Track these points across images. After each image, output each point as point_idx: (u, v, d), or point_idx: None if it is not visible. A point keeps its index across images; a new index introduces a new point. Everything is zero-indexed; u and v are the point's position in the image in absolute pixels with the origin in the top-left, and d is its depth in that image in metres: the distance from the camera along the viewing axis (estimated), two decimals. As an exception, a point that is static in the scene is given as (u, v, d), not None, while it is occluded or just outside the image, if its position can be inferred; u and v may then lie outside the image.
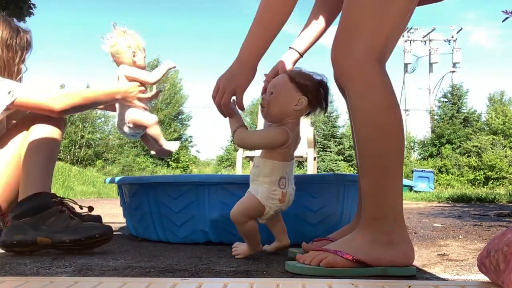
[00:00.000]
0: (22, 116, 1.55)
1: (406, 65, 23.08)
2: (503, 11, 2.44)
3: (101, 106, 1.83)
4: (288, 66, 1.36)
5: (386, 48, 1.03)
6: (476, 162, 17.13)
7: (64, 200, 1.45)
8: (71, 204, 1.61)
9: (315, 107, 1.21)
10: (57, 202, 1.36)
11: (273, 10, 1.10)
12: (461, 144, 18.41)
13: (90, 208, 1.58)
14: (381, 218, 0.99)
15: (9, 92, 1.36)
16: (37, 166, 1.41)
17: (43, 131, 1.46)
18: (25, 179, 1.40)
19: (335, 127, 20.63)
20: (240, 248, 1.26)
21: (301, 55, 1.39)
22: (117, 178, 1.76)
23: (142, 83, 1.74)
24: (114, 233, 1.93)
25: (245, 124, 1.22)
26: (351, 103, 1.04)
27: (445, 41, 22.87)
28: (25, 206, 1.33)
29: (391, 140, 0.99)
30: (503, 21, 2.52)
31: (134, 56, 1.86)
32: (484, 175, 16.80)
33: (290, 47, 1.40)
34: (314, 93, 1.18)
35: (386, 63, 1.08)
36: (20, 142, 1.47)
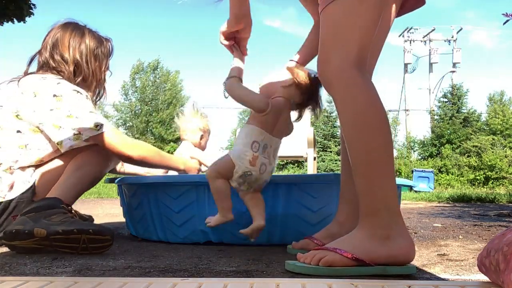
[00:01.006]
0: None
1: (406, 65, 23.08)
2: (503, 14, 2.44)
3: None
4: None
5: (362, 55, 1.09)
6: (476, 162, 17.11)
7: (73, 211, 1.46)
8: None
9: (305, 98, 1.32)
10: (65, 208, 1.37)
11: None
12: (461, 144, 18.41)
13: (90, 219, 1.64)
14: (375, 214, 1.01)
15: (96, 126, 1.49)
16: (69, 181, 1.50)
17: (94, 157, 1.56)
18: (54, 188, 1.48)
19: (335, 127, 20.63)
20: (212, 219, 1.33)
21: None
22: (117, 178, 1.76)
23: (201, 163, 2.06)
24: (114, 233, 1.93)
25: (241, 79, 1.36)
26: (337, 108, 1.11)
27: (445, 41, 22.86)
28: (33, 205, 1.35)
29: (376, 138, 1.04)
30: (503, 23, 2.52)
31: (201, 138, 2.11)
32: (484, 175, 16.79)
33: (290, 59, 1.47)
34: (303, 80, 1.29)
35: (373, 68, 1.20)
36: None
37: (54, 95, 1.49)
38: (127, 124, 23.25)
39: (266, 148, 1.29)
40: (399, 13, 1.25)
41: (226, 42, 1.37)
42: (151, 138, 22.42)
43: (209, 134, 2.29)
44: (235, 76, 1.32)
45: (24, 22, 6.90)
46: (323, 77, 1.13)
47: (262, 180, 1.33)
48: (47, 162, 1.57)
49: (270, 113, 1.25)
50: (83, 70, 1.64)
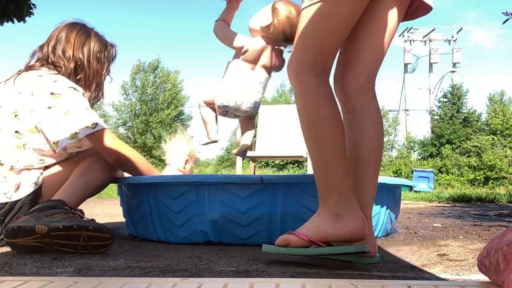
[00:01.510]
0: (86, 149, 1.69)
1: (406, 65, 23.07)
2: (503, 13, 2.44)
3: None
4: None
5: (320, 60, 1.17)
6: (476, 162, 17.10)
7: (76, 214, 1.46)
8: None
9: (289, 34, 1.45)
10: (68, 210, 1.38)
11: None
12: (461, 144, 18.40)
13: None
14: (329, 200, 1.11)
15: (92, 124, 1.50)
16: (73, 186, 1.52)
17: (100, 164, 1.59)
18: (59, 192, 1.49)
19: (335, 127, 20.60)
20: (202, 139, 1.62)
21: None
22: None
23: None
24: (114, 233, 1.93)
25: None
26: (295, 103, 1.21)
27: (445, 41, 22.86)
28: (37, 206, 1.37)
29: (325, 133, 1.13)
30: (503, 22, 2.51)
31: (186, 163, 2.10)
32: (484, 175, 16.77)
33: None
34: (282, 18, 1.43)
35: (376, 71, 1.26)
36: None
37: (52, 93, 1.50)
38: (127, 124, 23.22)
39: (246, 82, 1.49)
40: (407, 17, 1.30)
41: None
42: (151, 138, 22.39)
43: (194, 161, 2.29)
44: (223, 20, 1.52)
45: (24, 22, 6.90)
46: (288, 73, 1.22)
47: (243, 110, 1.51)
48: (54, 165, 1.59)
49: (248, 51, 1.38)
50: (84, 69, 1.65)
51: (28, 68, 1.61)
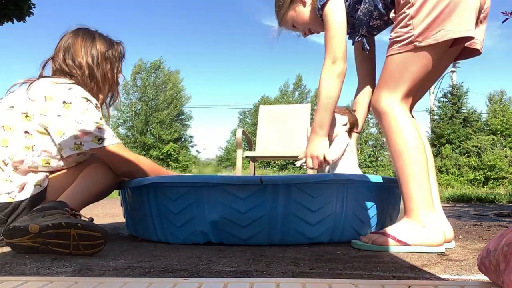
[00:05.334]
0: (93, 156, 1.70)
1: (406, 65, 23.03)
2: (502, 12, 2.44)
3: None
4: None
5: (405, 98, 1.44)
6: (476, 162, 17.09)
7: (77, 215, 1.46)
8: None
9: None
10: (68, 212, 1.37)
11: (332, 97, 1.60)
12: (461, 144, 18.39)
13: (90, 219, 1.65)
14: (415, 211, 1.35)
15: (99, 140, 1.52)
16: (76, 188, 1.53)
17: (105, 167, 1.60)
18: (63, 194, 1.50)
19: (335, 127, 20.60)
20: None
21: (359, 133, 1.92)
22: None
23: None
24: (114, 233, 1.93)
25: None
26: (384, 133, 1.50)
27: (445, 41, 22.83)
28: (38, 206, 1.36)
29: (409, 156, 1.38)
30: (502, 22, 2.52)
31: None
32: (484, 175, 16.76)
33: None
34: (351, 114, 1.87)
35: (419, 99, 1.63)
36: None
37: (64, 102, 1.51)
38: (127, 124, 23.21)
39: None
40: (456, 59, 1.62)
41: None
42: (150, 138, 22.39)
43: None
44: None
45: (24, 22, 6.90)
46: (377, 109, 1.47)
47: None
48: (61, 169, 1.59)
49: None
50: (96, 73, 1.66)
51: (43, 76, 1.63)
